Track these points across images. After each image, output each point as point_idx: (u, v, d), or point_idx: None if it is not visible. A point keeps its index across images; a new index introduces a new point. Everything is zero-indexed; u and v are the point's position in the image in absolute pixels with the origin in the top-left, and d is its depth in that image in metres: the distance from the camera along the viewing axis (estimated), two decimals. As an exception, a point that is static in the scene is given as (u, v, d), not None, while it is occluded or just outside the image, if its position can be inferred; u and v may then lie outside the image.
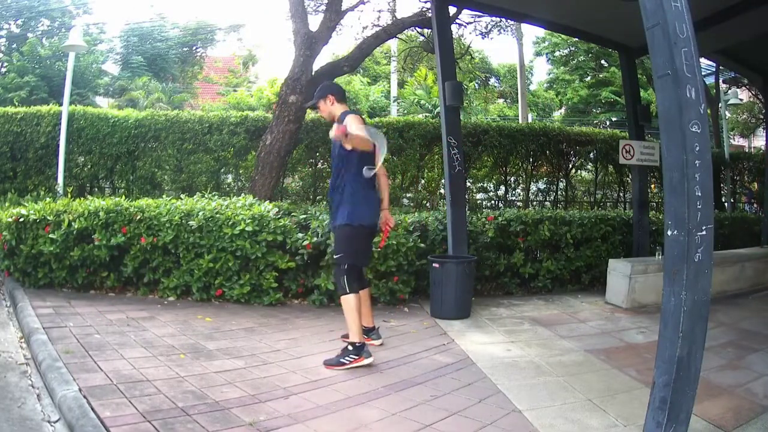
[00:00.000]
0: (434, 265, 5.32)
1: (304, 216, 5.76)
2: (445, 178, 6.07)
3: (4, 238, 5.32)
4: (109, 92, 19.89)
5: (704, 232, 2.42)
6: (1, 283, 5.64)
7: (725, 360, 4.21)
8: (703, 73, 9.53)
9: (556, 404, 3.28)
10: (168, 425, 2.74)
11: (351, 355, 3.77)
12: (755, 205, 13.30)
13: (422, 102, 17.10)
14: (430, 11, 7.06)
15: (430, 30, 8.91)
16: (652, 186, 11.60)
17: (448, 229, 5.85)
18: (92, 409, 2.82)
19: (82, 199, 5.70)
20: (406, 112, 17.04)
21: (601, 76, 26.06)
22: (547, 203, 11.21)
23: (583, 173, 12.18)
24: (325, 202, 9.61)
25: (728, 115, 16.83)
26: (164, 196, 7.60)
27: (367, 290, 4.26)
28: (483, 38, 10.95)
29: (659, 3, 2.43)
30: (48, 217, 5.28)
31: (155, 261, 5.33)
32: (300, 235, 5.40)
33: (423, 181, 10.18)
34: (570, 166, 11.26)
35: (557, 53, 26.87)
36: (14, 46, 18.25)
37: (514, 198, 10.98)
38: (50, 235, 5.18)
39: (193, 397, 3.10)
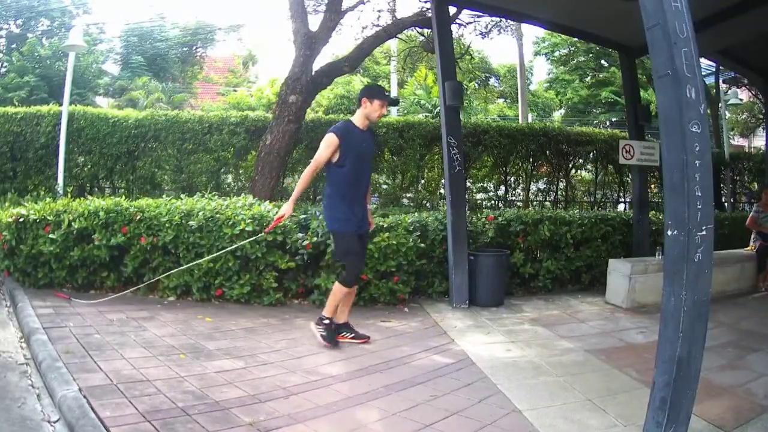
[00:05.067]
0: (470, 257, 5.78)
1: (304, 216, 5.75)
2: (445, 178, 6.08)
3: (4, 238, 5.32)
4: (109, 92, 19.90)
5: (704, 232, 2.42)
6: (1, 283, 5.63)
7: (725, 360, 4.21)
8: (703, 73, 9.54)
9: (556, 404, 3.28)
10: (168, 425, 2.74)
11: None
12: (755, 205, 13.26)
13: (422, 102, 17.10)
14: (430, 11, 7.06)
15: (430, 30, 8.90)
16: (652, 186, 11.59)
17: (448, 229, 5.85)
18: (92, 409, 2.82)
19: (82, 199, 5.69)
20: (406, 112, 17.03)
21: (601, 76, 26.02)
22: (547, 203, 11.22)
23: (583, 173, 12.18)
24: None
25: (728, 115, 16.82)
26: (164, 196, 7.60)
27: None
28: (483, 38, 10.96)
29: (659, 3, 2.43)
30: (48, 217, 5.27)
31: (155, 261, 5.33)
32: (300, 235, 5.39)
33: (423, 181, 10.18)
34: (570, 166, 11.27)
35: (557, 53, 26.82)
36: (14, 46, 18.26)
37: (514, 198, 10.98)
38: (50, 235, 5.17)
39: (193, 397, 3.10)
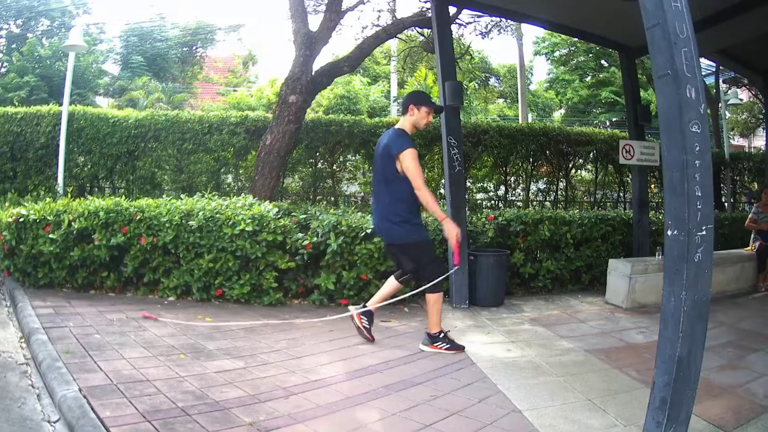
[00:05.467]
0: (470, 257, 5.79)
1: (304, 216, 5.76)
2: (445, 178, 6.07)
3: (4, 238, 5.33)
4: (109, 92, 19.89)
5: (704, 232, 2.42)
6: (1, 283, 5.64)
7: (725, 360, 4.21)
8: (703, 73, 9.55)
9: (556, 404, 3.28)
10: (168, 425, 2.74)
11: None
12: (755, 206, 13.27)
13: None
14: (430, 11, 7.06)
15: (430, 30, 8.91)
16: (652, 186, 11.59)
17: (448, 229, 5.84)
18: (92, 409, 2.82)
19: (82, 199, 5.70)
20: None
21: (601, 76, 26.05)
22: (547, 203, 11.22)
23: (583, 173, 12.18)
24: (325, 202, 9.62)
25: (728, 115, 16.82)
26: (164, 196, 7.61)
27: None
28: (483, 38, 10.97)
29: (659, 3, 2.43)
30: (48, 217, 5.28)
31: (155, 261, 5.33)
32: (300, 235, 5.40)
33: (423, 181, 10.16)
34: (570, 166, 11.27)
35: (557, 53, 26.86)
36: (14, 46, 18.26)
37: (514, 198, 10.98)
38: (50, 235, 5.18)
39: (193, 397, 3.10)
